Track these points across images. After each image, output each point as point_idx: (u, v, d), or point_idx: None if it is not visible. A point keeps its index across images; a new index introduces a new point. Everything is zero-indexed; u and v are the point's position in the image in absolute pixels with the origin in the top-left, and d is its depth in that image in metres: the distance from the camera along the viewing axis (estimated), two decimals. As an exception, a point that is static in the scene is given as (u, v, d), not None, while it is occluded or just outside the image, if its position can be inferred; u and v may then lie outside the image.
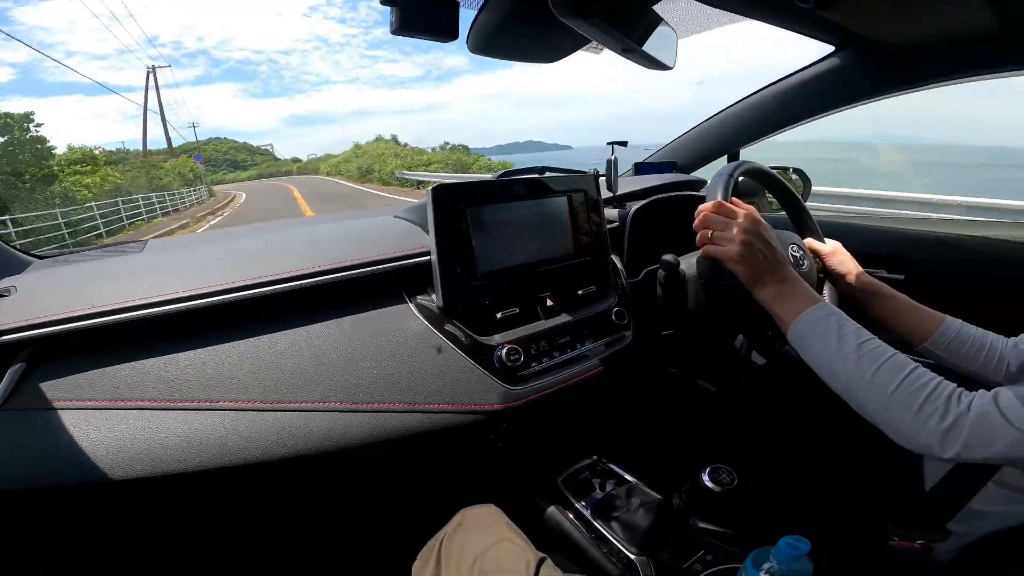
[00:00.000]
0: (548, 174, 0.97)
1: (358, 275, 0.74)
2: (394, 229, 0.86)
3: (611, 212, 1.07)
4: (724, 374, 1.13)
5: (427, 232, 0.77)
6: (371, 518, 0.98)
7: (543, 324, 0.84)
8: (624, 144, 1.11)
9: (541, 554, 0.70)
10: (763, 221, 0.74)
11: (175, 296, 0.64)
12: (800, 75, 1.30)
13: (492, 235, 0.80)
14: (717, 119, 1.47)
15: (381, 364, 0.70)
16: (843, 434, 0.83)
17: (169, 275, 0.69)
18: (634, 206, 1.05)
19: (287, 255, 0.75)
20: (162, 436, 0.60)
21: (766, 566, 0.62)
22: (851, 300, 0.94)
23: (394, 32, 0.64)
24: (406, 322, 0.75)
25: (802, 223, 0.98)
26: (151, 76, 58.23)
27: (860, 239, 1.19)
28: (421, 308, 0.77)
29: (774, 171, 1.29)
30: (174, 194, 21.98)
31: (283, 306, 0.71)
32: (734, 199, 0.77)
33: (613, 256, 1.01)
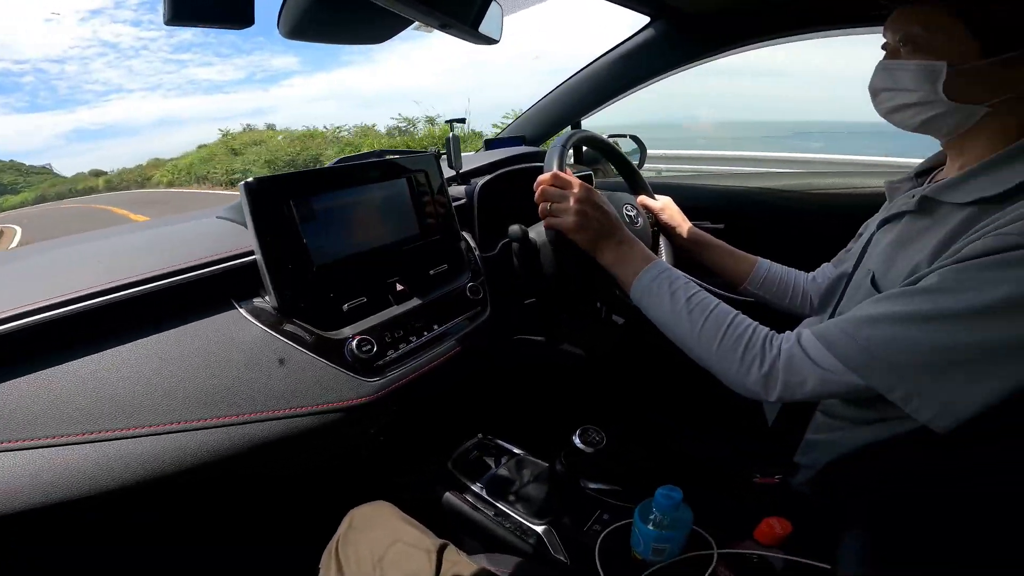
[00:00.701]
0: (387, 158, 0.94)
1: (173, 284, 0.67)
2: (214, 231, 0.79)
3: (458, 189, 1.08)
4: (588, 337, 1.20)
5: None
6: (266, 533, 0.94)
7: (395, 310, 0.82)
8: (462, 121, 1.11)
9: (442, 540, 0.70)
10: (597, 192, 0.79)
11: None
12: (625, 45, 1.39)
13: (325, 226, 0.77)
14: (557, 92, 1.54)
15: (216, 376, 0.65)
16: (694, 387, 0.89)
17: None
18: (479, 181, 1.06)
19: (85, 270, 0.66)
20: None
21: (651, 517, 0.68)
22: (683, 250, 1.04)
23: (168, 22, 0.56)
24: (240, 328, 0.70)
25: (635, 183, 1.07)
26: None
27: (686, 195, 1.33)
28: (257, 312, 0.72)
29: (611, 138, 1.38)
30: None
31: (95, 327, 0.63)
32: (568, 171, 0.80)
33: (464, 233, 1.02)
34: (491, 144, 1.52)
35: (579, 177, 1.29)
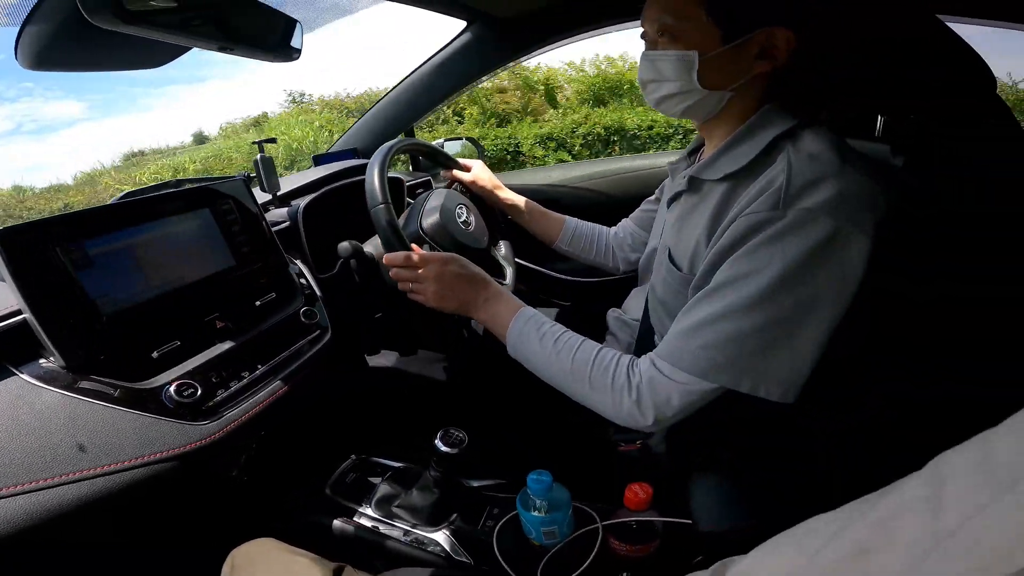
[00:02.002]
0: (186, 187, 0.89)
1: None
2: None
3: (280, 212, 1.05)
4: (442, 341, 1.22)
5: None
6: None
7: (219, 348, 0.78)
8: (272, 141, 1.09)
9: (337, 563, 0.68)
10: (453, 258, 0.81)
11: None
12: (446, 50, 1.44)
13: (110, 270, 0.70)
14: (388, 99, 1.55)
15: (7, 446, 0.57)
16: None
17: None
18: (303, 202, 1.04)
19: None
20: None
21: (531, 503, 0.69)
22: (502, 213, 1.13)
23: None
24: (28, 396, 0.62)
25: (443, 163, 1.12)
26: None
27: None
28: (45, 374, 0.64)
29: (447, 141, 1.43)
30: None
31: None
32: (421, 252, 0.82)
33: (293, 257, 0.99)
34: (320, 159, 1.48)
35: (417, 184, 1.32)
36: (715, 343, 0.62)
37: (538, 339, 0.74)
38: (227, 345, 0.79)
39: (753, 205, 0.61)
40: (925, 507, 0.25)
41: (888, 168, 0.74)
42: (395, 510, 0.84)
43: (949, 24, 0.65)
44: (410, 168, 1.63)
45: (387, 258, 0.82)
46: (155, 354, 0.72)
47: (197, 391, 0.70)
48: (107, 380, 0.67)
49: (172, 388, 0.69)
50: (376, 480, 0.90)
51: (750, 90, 0.70)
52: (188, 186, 0.88)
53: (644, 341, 0.88)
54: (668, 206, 0.84)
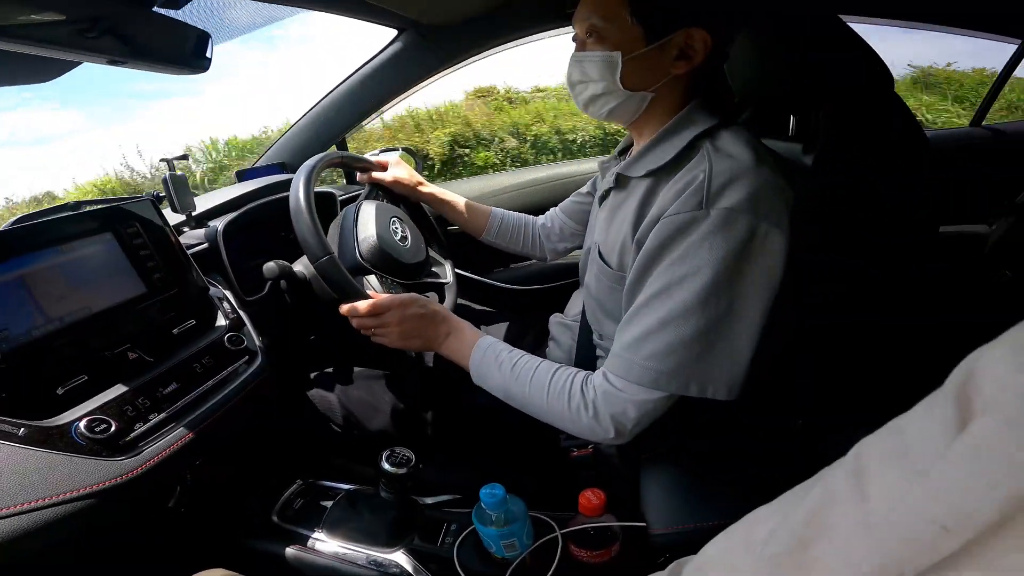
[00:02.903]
0: (85, 210, 0.82)
1: None
2: None
3: (197, 233, 0.99)
4: (386, 359, 1.18)
5: None
6: None
7: (134, 381, 0.72)
8: (185, 158, 1.02)
9: None
10: (413, 299, 0.82)
11: None
12: (377, 59, 1.41)
13: (2, 304, 0.65)
14: (315, 111, 1.49)
15: None
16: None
17: None
18: (222, 222, 0.99)
19: None
20: None
21: (486, 517, 0.69)
22: (426, 205, 1.14)
23: None
24: None
25: (362, 167, 1.09)
26: None
27: None
28: None
29: (381, 152, 1.40)
30: None
31: None
32: (379, 298, 0.81)
33: (215, 280, 0.93)
34: (244, 175, 1.40)
35: (351, 198, 1.29)
36: (661, 352, 0.64)
37: (497, 367, 0.76)
38: (145, 377, 0.74)
39: (676, 204, 0.64)
40: (852, 496, 0.26)
41: (798, 165, 0.79)
42: (350, 533, 0.81)
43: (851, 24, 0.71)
44: (344, 181, 1.59)
45: (346, 309, 0.82)
46: (60, 390, 0.67)
47: (111, 426, 0.66)
48: (11, 420, 0.61)
49: (82, 424, 0.64)
50: (327, 504, 0.87)
51: (671, 91, 0.73)
52: (87, 208, 0.80)
53: (583, 341, 0.89)
54: (599, 204, 0.86)
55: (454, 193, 1.15)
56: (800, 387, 0.79)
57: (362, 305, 0.80)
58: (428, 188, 1.11)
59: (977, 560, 0.21)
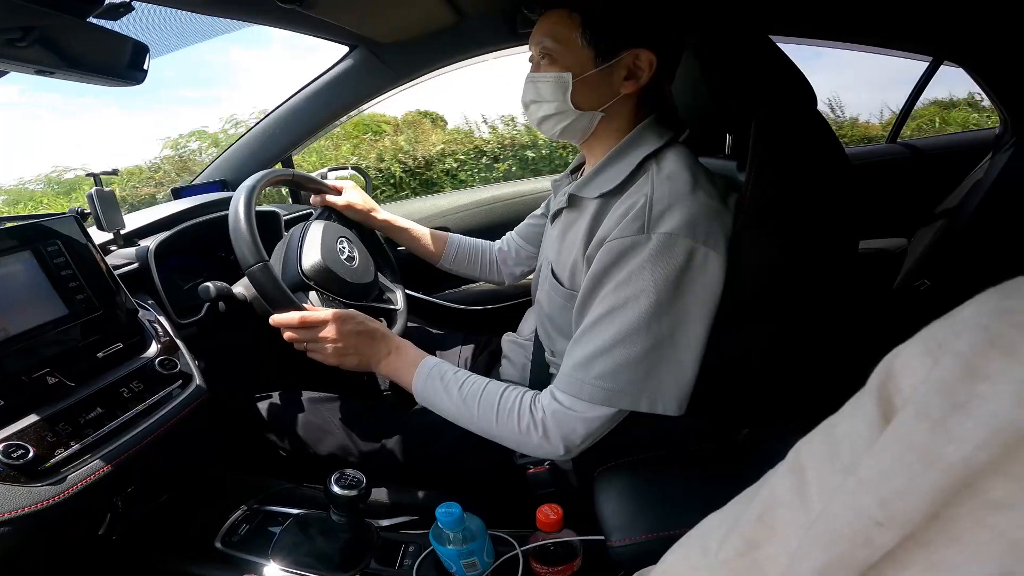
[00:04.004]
0: (2, 227, 0.77)
1: None
2: None
3: (126, 252, 0.94)
4: (338, 383, 1.14)
5: None
6: None
7: (55, 406, 0.68)
8: (114, 173, 0.98)
9: None
10: (350, 315, 0.79)
11: None
12: (328, 75, 1.40)
13: None
14: (260, 127, 1.46)
15: None
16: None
17: None
18: (153, 242, 0.94)
19: None
20: None
21: (444, 537, 0.68)
22: (381, 231, 1.12)
23: None
24: None
25: (315, 189, 1.07)
26: None
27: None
28: None
29: (330, 171, 1.37)
30: None
31: None
32: (313, 311, 0.79)
33: (145, 301, 0.89)
34: (180, 193, 1.34)
35: (296, 218, 1.25)
36: (610, 372, 0.66)
37: (443, 388, 0.75)
38: (64, 402, 0.70)
39: (619, 228, 0.67)
40: (793, 496, 0.27)
41: (734, 183, 0.83)
42: (301, 559, 0.77)
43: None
44: (289, 200, 1.55)
45: (276, 320, 0.79)
46: (-30, 416, 0.62)
47: (29, 452, 0.62)
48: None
49: None
50: (275, 529, 0.82)
51: (620, 110, 0.77)
52: (9, 224, 0.76)
53: (536, 359, 0.90)
54: (551, 223, 0.88)
55: (408, 220, 1.14)
56: (743, 400, 0.81)
57: (295, 316, 0.78)
58: (382, 215, 1.10)
59: (917, 555, 0.22)
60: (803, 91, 0.75)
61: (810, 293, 0.76)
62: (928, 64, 1.62)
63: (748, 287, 0.70)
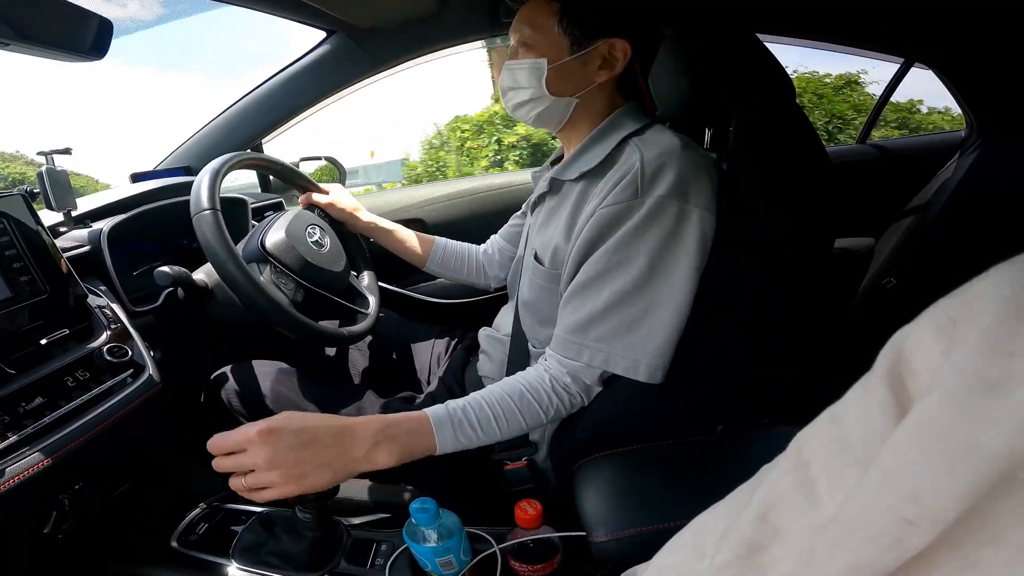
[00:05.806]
0: None
1: None
2: None
3: (78, 234, 0.90)
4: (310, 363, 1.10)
5: None
6: None
7: None
8: (68, 152, 0.92)
9: None
10: (282, 424, 0.58)
11: None
12: (303, 60, 1.36)
13: None
14: (229, 113, 1.41)
15: None
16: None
17: None
18: (107, 224, 0.89)
19: None
20: None
21: (419, 534, 0.65)
22: (364, 236, 1.09)
23: None
24: None
25: (299, 184, 1.05)
26: None
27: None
28: None
29: (303, 160, 1.33)
30: None
31: None
32: (220, 436, 0.59)
33: (95, 287, 0.84)
34: (139, 178, 1.28)
35: (265, 206, 1.21)
36: (609, 335, 0.68)
37: (467, 429, 0.67)
38: (3, 390, 0.65)
39: (612, 195, 0.68)
40: (799, 494, 0.25)
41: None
42: (264, 559, 0.73)
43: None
44: (259, 189, 1.49)
45: (212, 445, 0.59)
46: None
47: None
48: None
49: None
50: (236, 528, 0.79)
51: (596, 98, 0.78)
52: None
53: (516, 350, 0.89)
54: (532, 211, 0.88)
55: (393, 223, 1.11)
56: (719, 396, 0.81)
57: (213, 441, 0.59)
58: (367, 217, 1.07)
59: (948, 556, 0.20)
60: (784, 85, 0.76)
61: (785, 286, 0.77)
62: (899, 66, 1.66)
63: (722, 278, 0.71)
